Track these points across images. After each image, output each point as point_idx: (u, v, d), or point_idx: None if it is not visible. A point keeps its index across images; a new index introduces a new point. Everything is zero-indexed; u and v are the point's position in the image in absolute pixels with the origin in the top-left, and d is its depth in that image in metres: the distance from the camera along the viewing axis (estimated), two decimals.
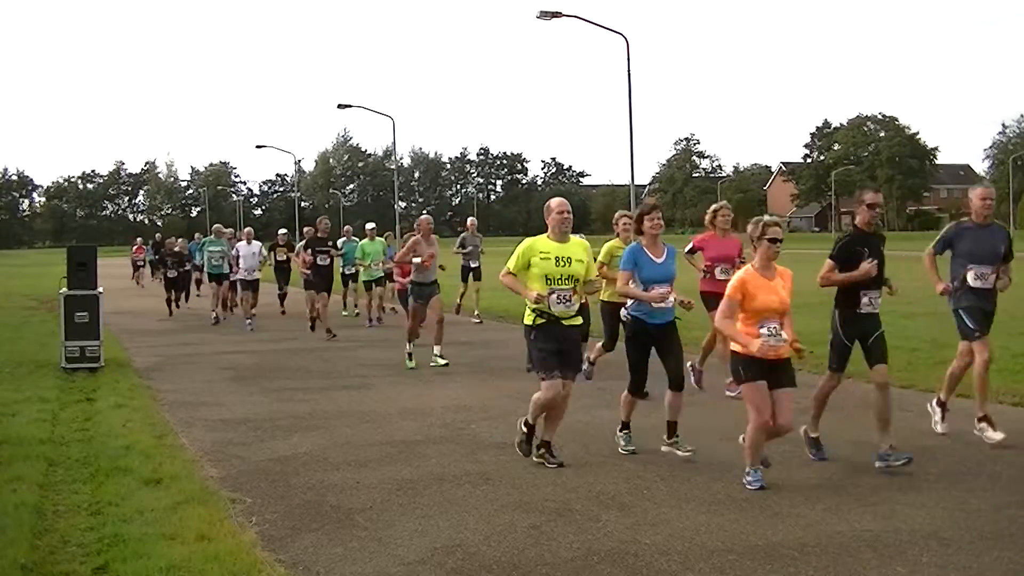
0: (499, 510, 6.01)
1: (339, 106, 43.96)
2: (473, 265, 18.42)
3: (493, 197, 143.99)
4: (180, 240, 25.92)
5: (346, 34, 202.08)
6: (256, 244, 18.56)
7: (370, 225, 18.95)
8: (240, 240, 19.32)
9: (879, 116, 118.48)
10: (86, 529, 5.65)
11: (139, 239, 41.26)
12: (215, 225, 21.50)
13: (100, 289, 12.74)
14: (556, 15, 25.76)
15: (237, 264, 18.57)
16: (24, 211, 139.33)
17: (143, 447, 7.67)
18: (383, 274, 18.37)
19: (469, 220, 19.89)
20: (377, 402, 9.94)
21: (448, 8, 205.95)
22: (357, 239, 19.97)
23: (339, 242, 20.18)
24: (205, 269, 20.25)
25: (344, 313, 20.30)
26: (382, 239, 19.35)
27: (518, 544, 5.35)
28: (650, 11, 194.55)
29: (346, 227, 21.87)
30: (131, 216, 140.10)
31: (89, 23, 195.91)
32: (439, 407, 9.56)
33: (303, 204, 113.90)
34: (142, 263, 37.47)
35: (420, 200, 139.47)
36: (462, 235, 19.00)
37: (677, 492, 6.35)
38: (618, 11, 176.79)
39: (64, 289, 12.63)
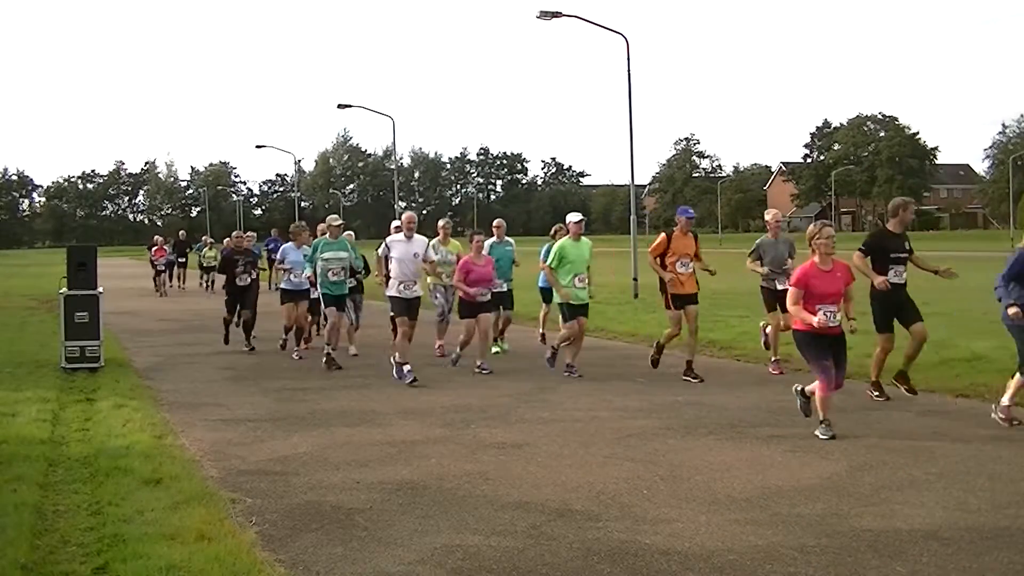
0: (499, 510, 6.01)
1: (339, 106, 44.13)
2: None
3: (493, 197, 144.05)
4: (249, 234, 17.72)
5: (346, 34, 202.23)
6: (420, 240, 11.72)
7: (575, 217, 11.91)
8: (392, 234, 12.44)
9: (879, 116, 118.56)
10: (86, 529, 5.64)
11: (159, 238, 32.52)
12: (329, 218, 13.16)
13: (100, 289, 12.74)
14: (556, 15, 25.79)
15: (384, 270, 11.73)
16: (24, 211, 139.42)
17: (143, 447, 7.67)
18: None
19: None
20: (377, 402, 9.94)
21: (448, 8, 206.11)
22: (511, 240, 14.43)
23: (488, 243, 13.59)
24: (319, 288, 12.82)
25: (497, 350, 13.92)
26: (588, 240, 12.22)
27: (518, 544, 5.35)
28: (650, 11, 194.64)
29: (498, 221, 14.57)
30: (131, 216, 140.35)
31: (89, 23, 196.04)
32: (439, 407, 9.56)
33: (303, 204, 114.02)
34: (164, 267, 30.68)
35: (420, 200, 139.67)
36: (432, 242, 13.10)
37: (677, 492, 6.35)
38: (618, 11, 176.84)
39: (64, 289, 12.63)
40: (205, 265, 30.86)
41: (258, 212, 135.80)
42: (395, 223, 14.45)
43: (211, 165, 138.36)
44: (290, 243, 14.07)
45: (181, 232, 34.67)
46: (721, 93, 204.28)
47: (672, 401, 9.67)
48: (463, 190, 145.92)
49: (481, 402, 9.78)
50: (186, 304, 25.36)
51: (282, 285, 13.92)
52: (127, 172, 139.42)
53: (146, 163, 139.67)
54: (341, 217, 14.13)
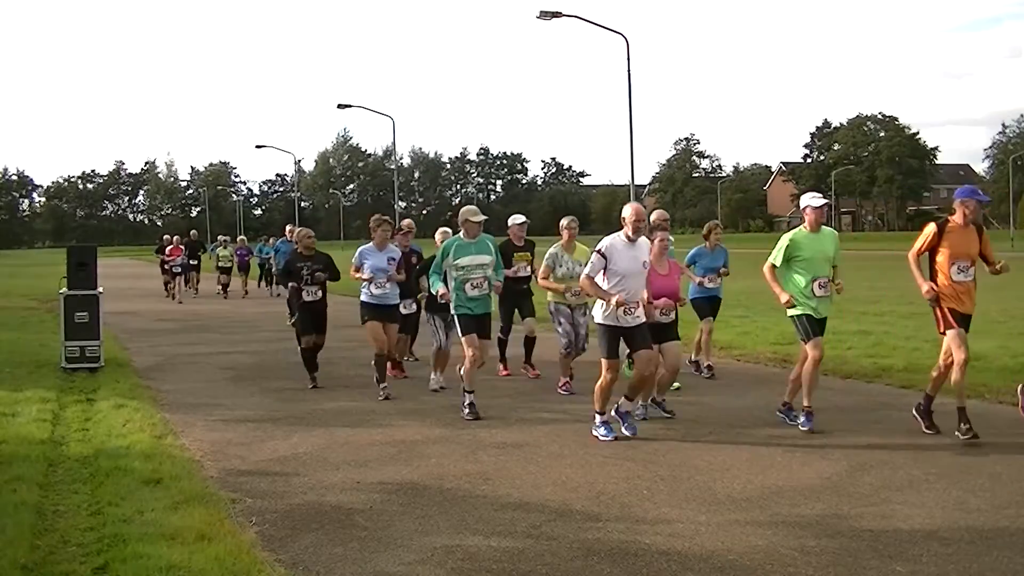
0: (499, 510, 6.01)
1: (339, 106, 44.16)
2: None
3: (493, 197, 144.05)
4: (298, 229, 12.85)
5: (346, 34, 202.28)
6: (646, 245, 8.36)
7: (816, 201, 8.29)
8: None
9: (879, 116, 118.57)
10: (86, 529, 5.65)
11: (174, 237, 28.65)
12: (465, 210, 9.48)
13: (100, 289, 12.75)
14: (556, 15, 25.82)
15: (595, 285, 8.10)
16: (24, 211, 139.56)
17: (143, 447, 7.67)
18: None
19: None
20: (377, 402, 9.93)
21: (448, 8, 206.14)
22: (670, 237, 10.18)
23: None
24: (453, 309, 9.25)
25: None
26: None
27: (518, 544, 5.35)
28: (650, 11, 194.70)
29: (659, 212, 10.89)
30: (131, 216, 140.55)
31: (89, 23, 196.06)
32: (439, 407, 9.56)
33: (303, 204, 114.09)
34: (180, 269, 26.97)
35: (420, 200, 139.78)
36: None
37: (677, 492, 6.35)
38: (618, 11, 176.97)
39: (64, 289, 12.64)
40: (220, 266, 28.54)
41: (258, 212, 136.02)
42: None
43: (211, 165, 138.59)
44: (368, 244, 10.69)
45: (193, 232, 31.30)
46: (721, 93, 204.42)
47: (672, 401, 9.66)
48: (463, 190, 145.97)
49: (481, 402, 9.74)
50: (187, 304, 25.31)
51: (363, 298, 10.41)
52: (127, 172, 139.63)
53: (146, 163, 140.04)
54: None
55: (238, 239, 31.82)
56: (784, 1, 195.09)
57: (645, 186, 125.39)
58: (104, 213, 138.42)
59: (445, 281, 9.23)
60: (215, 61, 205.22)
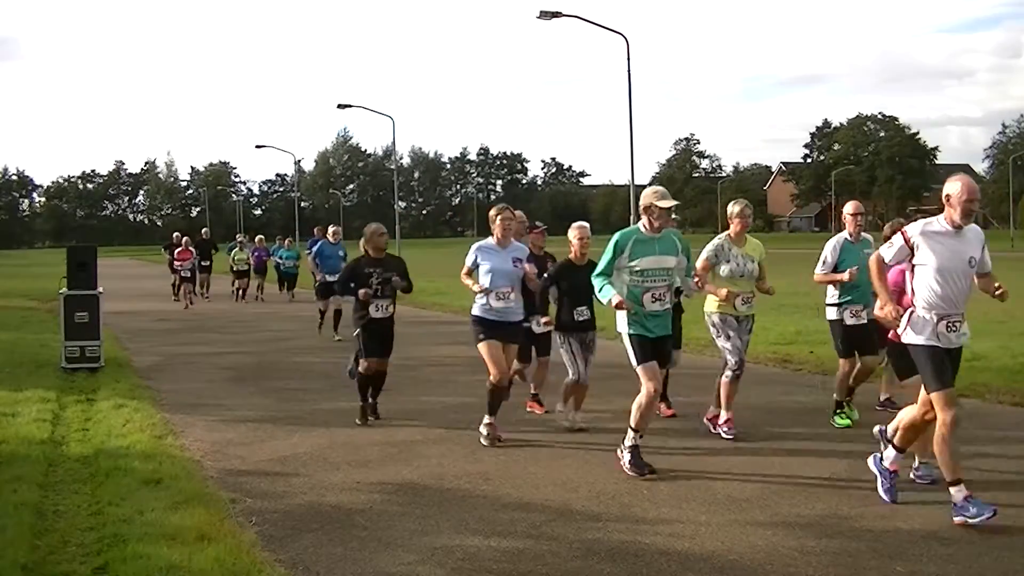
0: (499, 510, 6.01)
1: (339, 106, 44.15)
2: None
3: (493, 197, 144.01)
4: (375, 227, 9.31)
5: (346, 34, 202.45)
6: (976, 233, 5.87)
7: None
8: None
9: (879, 116, 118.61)
10: (86, 529, 5.65)
11: (184, 237, 26.31)
12: (652, 191, 6.98)
13: (100, 289, 12.75)
14: (556, 15, 25.83)
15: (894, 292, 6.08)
16: (24, 211, 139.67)
17: (143, 447, 7.67)
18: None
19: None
20: (377, 402, 9.91)
21: (448, 8, 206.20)
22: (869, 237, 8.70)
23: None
24: (624, 325, 6.88)
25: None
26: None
27: (518, 544, 5.35)
28: (650, 11, 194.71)
29: (854, 205, 8.71)
30: (131, 216, 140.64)
31: (89, 22, 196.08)
32: (439, 407, 9.55)
33: (303, 204, 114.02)
34: (190, 273, 24.85)
35: (420, 200, 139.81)
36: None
37: (677, 492, 6.35)
38: (618, 11, 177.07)
39: (64, 289, 12.64)
40: (236, 269, 26.63)
41: (258, 212, 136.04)
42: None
43: (211, 165, 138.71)
44: (487, 240, 8.24)
45: (204, 231, 28.67)
46: (721, 93, 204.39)
47: (672, 401, 9.65)
48: (463, 190, 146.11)
49: (481, 402, 9.70)
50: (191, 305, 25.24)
51: (477, 311, 8.01)
52: (127, 172, 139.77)
53: (146, 163, 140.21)
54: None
55: (256, 239, 29.34)
56: (784, 1, 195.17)
57: (645, 186, 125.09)
58: (104, 213, 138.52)
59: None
60: (215, 61, 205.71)
